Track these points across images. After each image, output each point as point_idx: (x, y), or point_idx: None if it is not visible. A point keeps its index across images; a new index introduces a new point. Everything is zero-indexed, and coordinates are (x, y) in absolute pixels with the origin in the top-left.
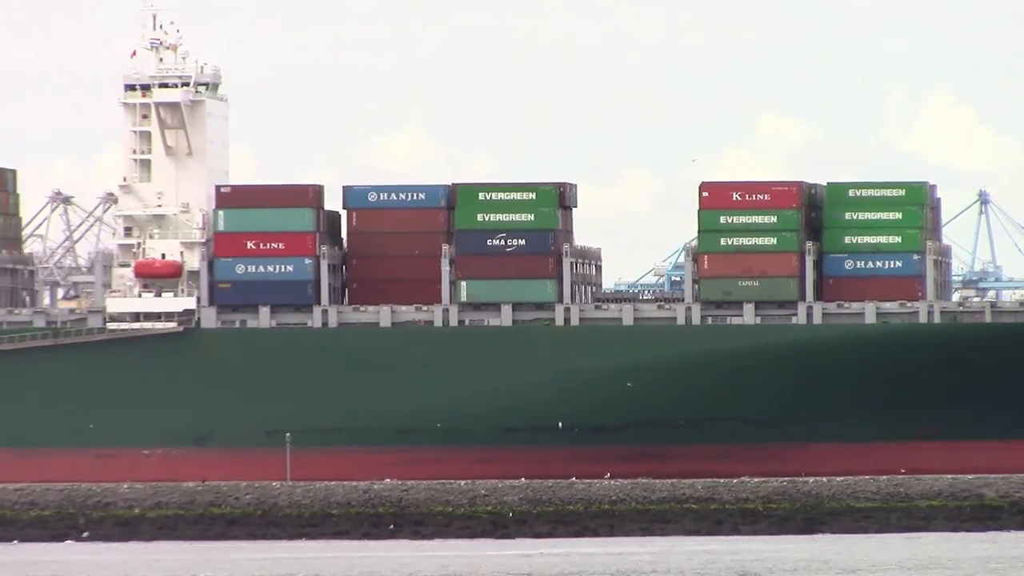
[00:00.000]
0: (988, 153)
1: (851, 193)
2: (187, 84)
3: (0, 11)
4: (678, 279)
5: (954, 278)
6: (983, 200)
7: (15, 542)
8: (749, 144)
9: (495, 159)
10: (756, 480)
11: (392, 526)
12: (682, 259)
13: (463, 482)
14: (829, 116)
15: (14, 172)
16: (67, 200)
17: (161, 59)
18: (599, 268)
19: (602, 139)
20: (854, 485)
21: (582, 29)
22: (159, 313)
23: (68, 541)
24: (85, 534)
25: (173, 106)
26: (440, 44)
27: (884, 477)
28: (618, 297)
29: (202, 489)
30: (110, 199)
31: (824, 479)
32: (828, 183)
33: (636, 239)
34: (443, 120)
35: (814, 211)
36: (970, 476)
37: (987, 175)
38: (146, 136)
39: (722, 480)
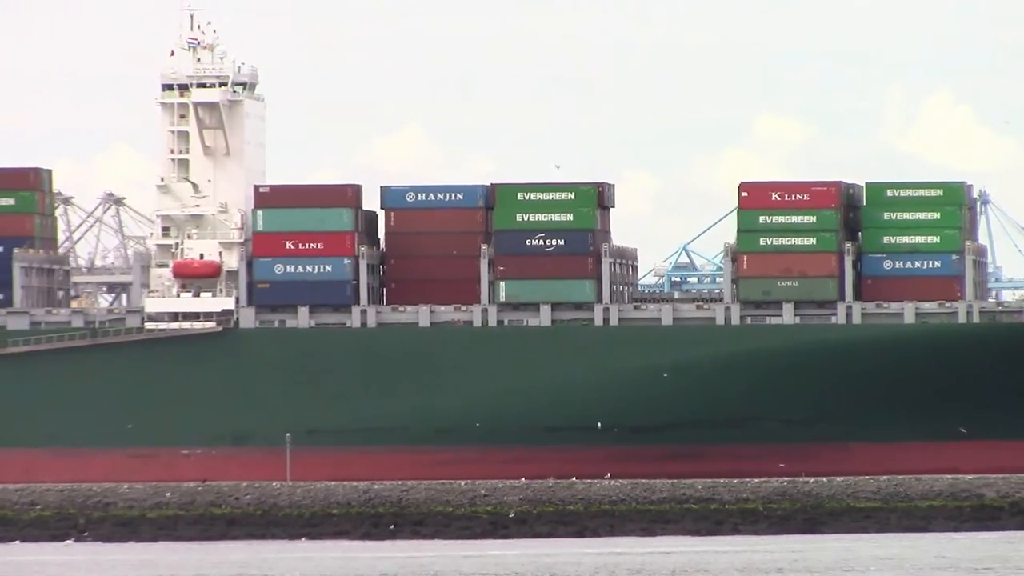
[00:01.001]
0: (988, 153)
1: (889, 193)
2: (225, 84)
3: (16, 9)
4: (678, 279)
5: None
6: (983, 200)
7: (15, 542)
8: (748, 144)
9: (494, 159)
10: (756, 480)
11: (392, 526)
12: (683, 259)
13: (463, 482)
14: (828, 116)
15: (50, 172)
16: (67, 200)
17: (199, 59)
18: (634, 268)
19: (601, 139)
20: (854, 485)
21: (581, 29)
22: (197, 313)
23: (68, 541)
24: (85, 533)
25: (211, 106)
26: (439, 44)
27: (884, 477)
28: (656, 297)
29: (202, 489)
30: (110, 199)
31: (824, 479)
32: (867, 183)
33: (636, 240)
34: (442, 120)
35: (851, 211)
36: (970, 476)
37: (987, 175)
38: (184, 136)
39: (722, 480)
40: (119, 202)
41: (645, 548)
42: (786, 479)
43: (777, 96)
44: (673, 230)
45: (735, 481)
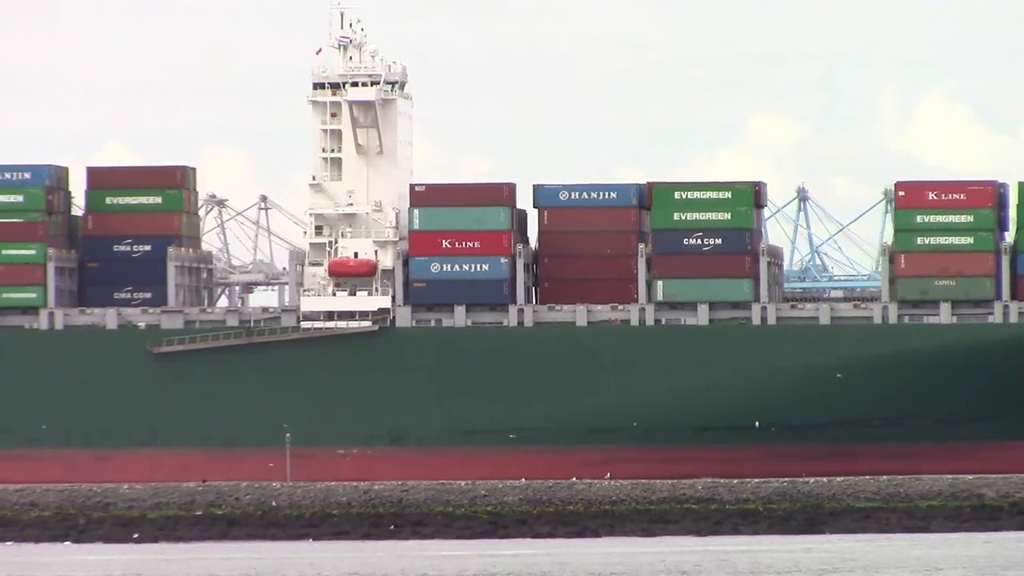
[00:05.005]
0: (984, 153)
1: None
2: (377, 83)
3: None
4: None
5: None
6: None
7: (10, 542)
8: (742, 143)
9: (490, 158)
10: (756, 480)
11: (392, 526)
12: None
13: (463, 482)
14: (823, 115)
15: (194, 170)
16: (222, 203)
17: (350, 57)
18: (780, 267)
19: (597, 139)
20: (854, 485)
21: (578, 29)
22: (353, 312)
23: (68, 541)
24: (95, 532)
25: (366, 105)
26: (431, 43)
27: (884, 477)
28: (810, 296)
29: (202, 489)
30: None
31: (824, 479)
32: (1018, 183)
33: None
34: (438, 120)
35: (1001, 210)
36: (970, 476)
37: (984, 175)
38: (336, 134)
39: (722, 480)
40: (222, 204)
41: (645, 548)
42: (786, 479)
43: (771, 96)
44: None
45: (735, 481)
